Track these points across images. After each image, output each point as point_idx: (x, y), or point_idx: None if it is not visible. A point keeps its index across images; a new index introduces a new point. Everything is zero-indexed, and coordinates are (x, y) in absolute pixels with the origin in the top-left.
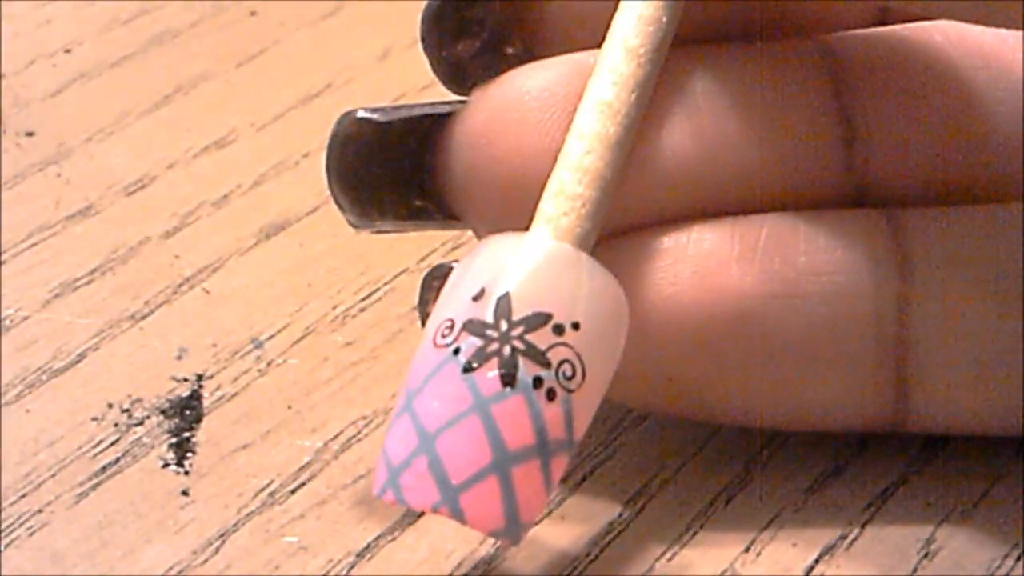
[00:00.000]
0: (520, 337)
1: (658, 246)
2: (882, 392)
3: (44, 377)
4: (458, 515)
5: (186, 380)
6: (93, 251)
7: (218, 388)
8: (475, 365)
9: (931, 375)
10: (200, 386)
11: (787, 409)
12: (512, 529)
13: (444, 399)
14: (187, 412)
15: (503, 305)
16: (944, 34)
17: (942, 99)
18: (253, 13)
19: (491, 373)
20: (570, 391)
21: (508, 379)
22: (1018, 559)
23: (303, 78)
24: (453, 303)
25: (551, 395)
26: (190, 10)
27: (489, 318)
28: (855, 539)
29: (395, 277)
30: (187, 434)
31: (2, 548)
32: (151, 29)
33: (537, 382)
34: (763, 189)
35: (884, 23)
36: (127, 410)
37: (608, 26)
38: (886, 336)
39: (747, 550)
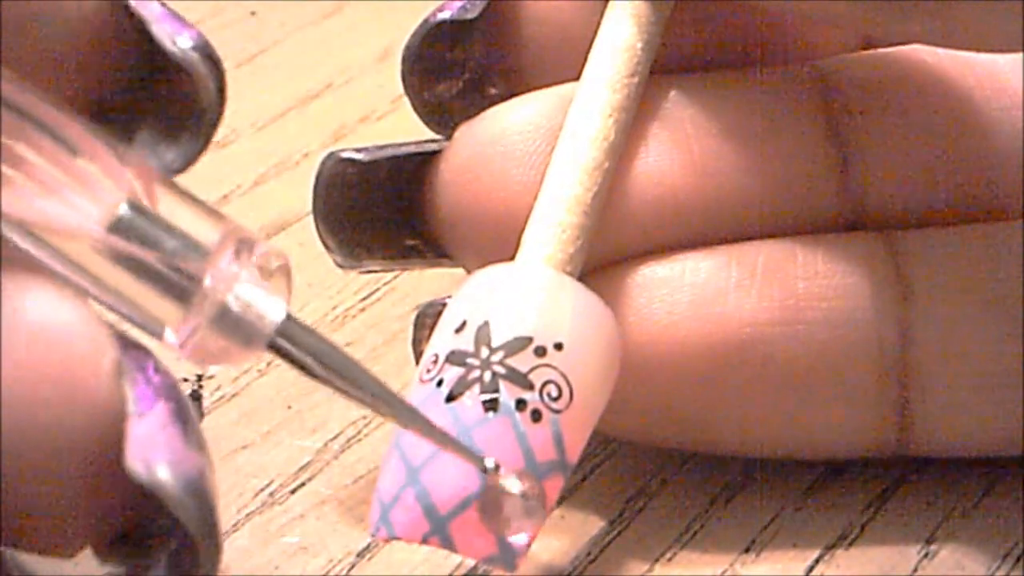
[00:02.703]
0: (501, 362)
1: (653, 276)
2: (885, 417)
3: None
4: (448, 544)
5: (186, 380)
6: None
7: (218, 388)
8: (457, 393)
9: (934, 398)
10: (200, 386)
11: (789, 438)
12: (506, 555)
13: None
14: None
15: (483, 333)
16: (935, 54)
17: (936, 119)
18: (253, 13)
19: (472, 399)
20: (557, 411)
21: (490, 404)
22: (1018, 559)
23: (303, 78)
24: (438, 339)
25: (536, 416)
26: (190, 10)
27: (470, 347)
28: (855, 539)
29: (395, 277)
30: None
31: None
32: None
33: (520, 404)
34: (757, 215)
35: (867, 48)
36: None
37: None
38: (888, 360)
39: (747, 550)
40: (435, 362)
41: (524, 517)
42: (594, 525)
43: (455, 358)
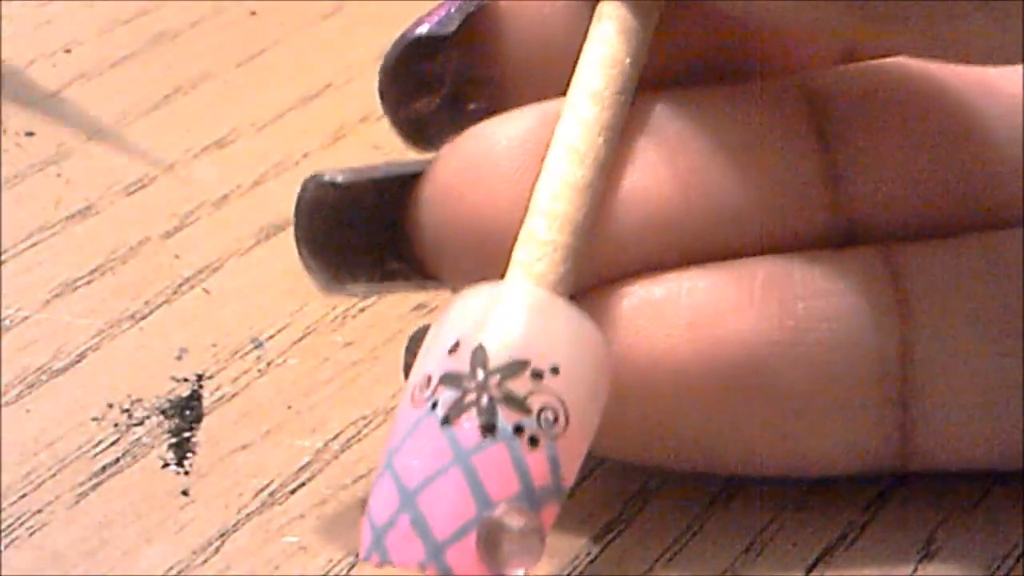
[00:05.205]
0: (498, 385)
1: (650, 297)
2: (886, 435)
3: (44, 377)
4: (445, 571)
5: (186, 380)
6: (93, 251)
7: (218, 388)
8: (453, 417)
9: (935, 415)
10: (200, 386)
11: (790, 457)
12: None
13: (424, 455)
14: (187, 412)
15: (479, 355)
16: (924, 62)
17: (926, 128)
18: (253, 13)
19: (470, 424)
20: (554, 437)
21: (488, 428)
22: (1018, 559)
23: (303, 78)
24: (429, 358)
25: (534, 442)
26: (190, 10)
27: (465, 369)
28: (855, 539)
29: None
30: (187, 434)
31: (2, 548)
32: (151, 29)
33: (518, 429)
34: (748, 231)
35: (852, 61)
36: (127, 410)
37: (572, 74)
38: (889, 378)
39: (747, 550)
40: (428, 383)
41: (522, 554)
42: (594, 525)
43: (450, 380)
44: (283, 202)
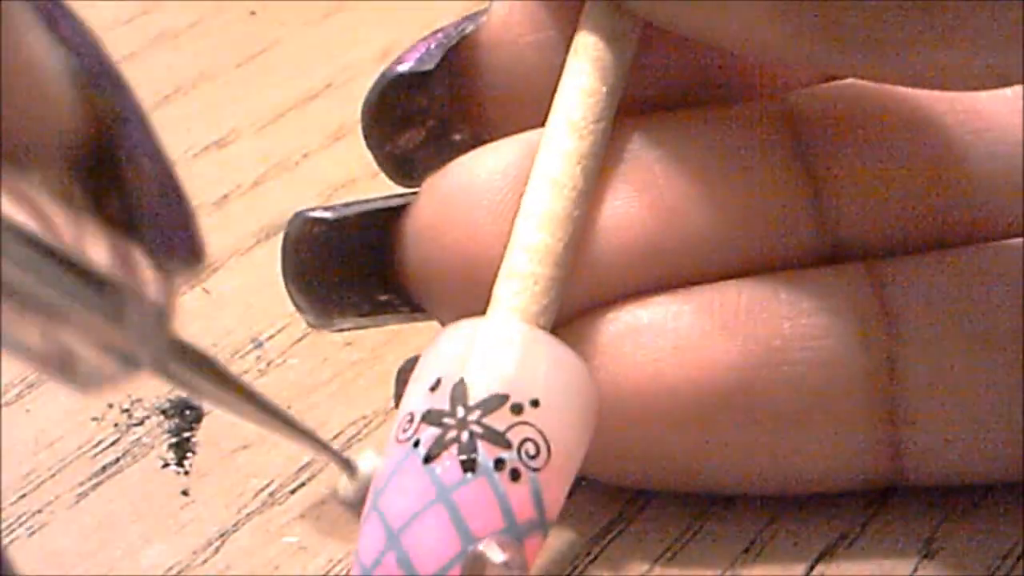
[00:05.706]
0: (478, 421)
1: (635, 322)
2: (877, 451)
3: (44, 377)
4: None
5: None
6: None
7: None
8: (435, 455)
9: (925, 430)
10: None
11: (780, 475)
12: None
13: (408, 493)
14: (187, 412)
15: (458, 391)
16: None
17: (907, 145)
18: (253, 13)
19: (450, 460)
20: (536, 469)
21: (468, 464)
22: (1018, 559)
23: (303, 78)
24: (412, 397)
25: (515, 475)
26: (190, 10)
27: (445, 406)
28: (855, 539)
29: None
30: (187, 434)
31: (2, 548)
32: (151, 29)
33: (499, 464)
34: (732, 254)
35: (831, 80)
36: (127, 410)
37: (550, 104)
38: (877, 395)
39: (747, 550)
40: (411, 422)
41: None
42: (594, 525)
43: (431, 417)
44: (283, 202)
